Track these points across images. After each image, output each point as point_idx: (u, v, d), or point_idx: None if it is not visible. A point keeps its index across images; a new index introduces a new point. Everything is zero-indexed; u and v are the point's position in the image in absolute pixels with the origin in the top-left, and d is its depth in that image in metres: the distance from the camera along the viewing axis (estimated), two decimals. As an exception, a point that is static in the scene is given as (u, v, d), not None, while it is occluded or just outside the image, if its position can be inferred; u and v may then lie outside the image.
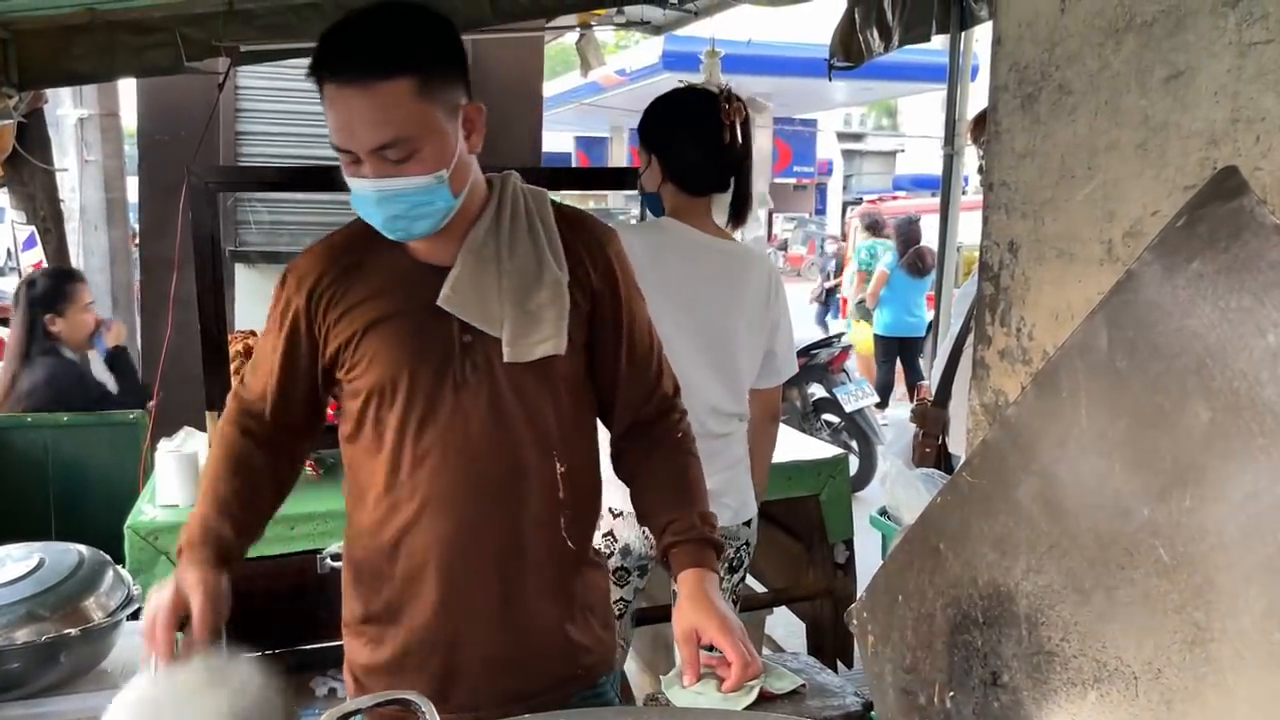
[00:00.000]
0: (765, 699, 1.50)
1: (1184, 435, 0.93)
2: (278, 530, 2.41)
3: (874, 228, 9.92)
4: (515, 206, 1.48)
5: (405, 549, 1.46)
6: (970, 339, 2.25)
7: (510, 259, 1.44)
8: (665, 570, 1.49)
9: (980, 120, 2.82)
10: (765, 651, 2.99)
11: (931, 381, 3.20)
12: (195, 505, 1.50)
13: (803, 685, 1.55)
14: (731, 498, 2.31)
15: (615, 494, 2.18)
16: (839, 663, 3.01)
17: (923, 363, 8.46)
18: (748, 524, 2.36)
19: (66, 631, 1.64)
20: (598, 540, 2.23)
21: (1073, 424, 1.04)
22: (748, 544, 2.36)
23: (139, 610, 1.91)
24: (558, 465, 1.47)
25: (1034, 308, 1.39)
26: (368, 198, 1.35)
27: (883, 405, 7.81)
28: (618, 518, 2.32)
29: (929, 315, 8.32)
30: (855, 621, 1.36)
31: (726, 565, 2.34)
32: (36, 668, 1.63)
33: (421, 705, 1.13)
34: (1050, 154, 1.36)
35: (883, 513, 2.50)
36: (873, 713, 1.48)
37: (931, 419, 3.00)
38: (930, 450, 3.01)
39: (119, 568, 1.85)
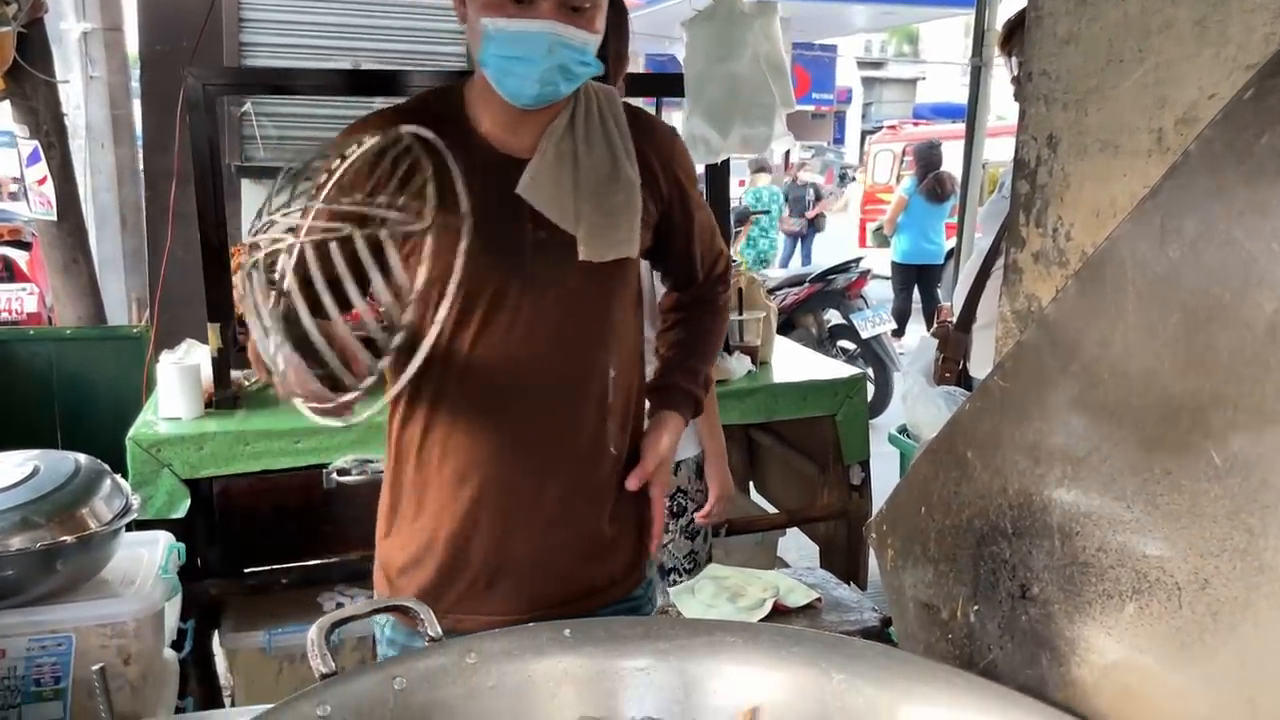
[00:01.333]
0: (780, 612, 1.46)
1: (1244, 329, 0.85)
2: (282, 444, 2.37)
3: (763, 171, 9.74)
4: (589, 104, 1.43)
5: (453, 449, 1.41)
6: (1000, 260, 2.16)
7: (588, 156, 1.39)
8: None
9: (1011, 29, 2.69)
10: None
11: (955, 303, 3.12)
12: None
13: (818, 599, 1.50)
14: None
15: None
16: (852, 585, 2.98)
17: (940, 292, 8.35)
18: (674, 469, 2.17)
19: (63, 539, 1.60)
20: None
21: (1118, 321, 0.96)
22: (681, 490, 2.20)
23: (136, 521, 1.87)
24: (610, 370, 1.45)
25: (1073, 206, 1.31)
26: (538, 39, 1.28)
27: (899, 334, 7.72)
28: None
29: (948, 243, 8.19)
30: (874, 535, 1.30)
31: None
32: (33, 575, 1.60)
33: (419, 611, 1.07)
34: (1097, 38, 1.26)
35: (902, 431, 2.43)
36: (890, 628, 1.43)
37: (954, 342, 2.91)
38: (951, 374, 2.93)
39: (117, 476, 1.80)
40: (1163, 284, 0.92)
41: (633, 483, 1.48)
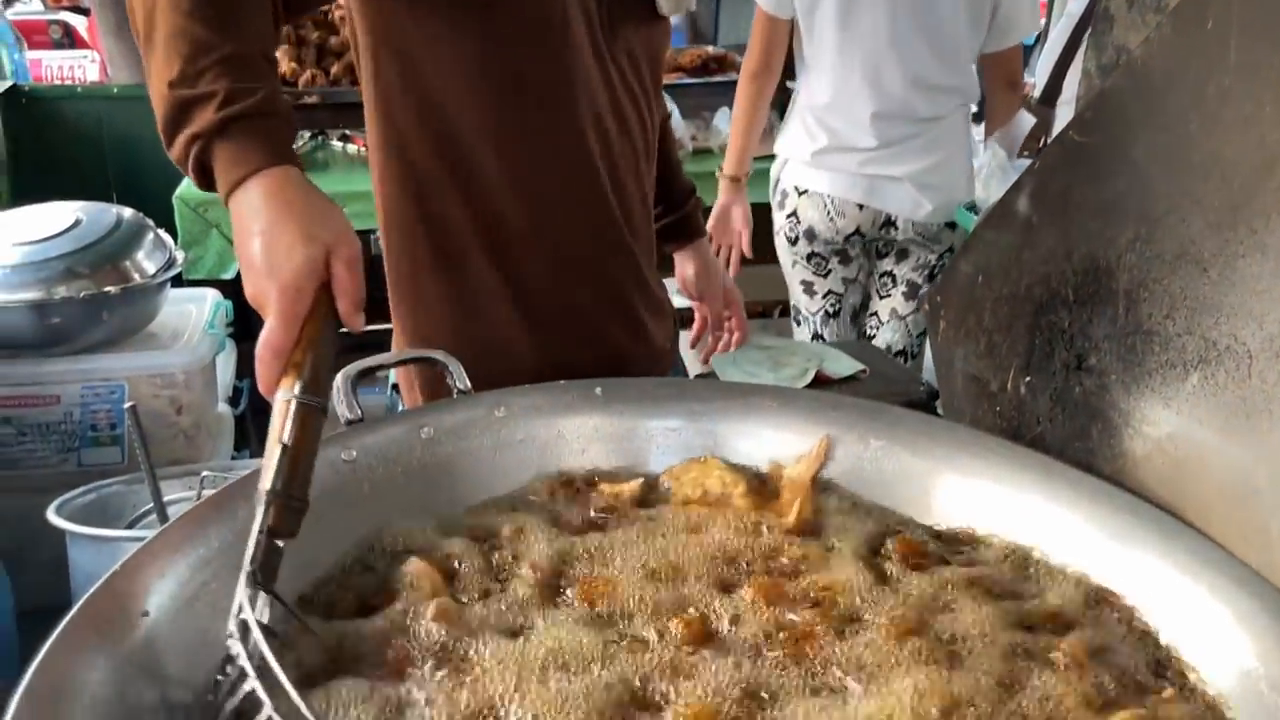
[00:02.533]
0: (822, 382, 1.41)
1: (1364, 65, 0.74)
2: (330, 207, 2.34)
3: None
4: None
5: (522, 199, 1.27)
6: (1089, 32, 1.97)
7: None
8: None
9: None
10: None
11: (1039, 76, 2.91)
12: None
13: (863, 370, 1.45)
14: (933, 193, 2.08)
15: (801, 170, 2.01)
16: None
17: (1026, 73, 7.86)
18: (951, 226, 2.14)
19: (106, 289, 1.61)
20: (780, 221, 2.12)
21: (1218, 61, 0.85)
22: (951, 249, 2.15)
23: (188, 280, 1.88)
24: (653, 138, 1.39)
25: (1181, -61, 1.15)
26: None
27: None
28: (802, 195, 2.09)
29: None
30: (928, 305, 1.24)
31: (926, 272, 2.18)
32: (80, 324, 1.62)
33: (448, 365, 1.05)
34: None
35: (970, 208, 2.30)
36: (937, 402, 1.39)
37: (1036, 118, 2.73)
38: (1031, 152, 2.77)
39: (160, 231, 1.80)
40: (1275, 15, 0.80)
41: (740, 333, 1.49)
